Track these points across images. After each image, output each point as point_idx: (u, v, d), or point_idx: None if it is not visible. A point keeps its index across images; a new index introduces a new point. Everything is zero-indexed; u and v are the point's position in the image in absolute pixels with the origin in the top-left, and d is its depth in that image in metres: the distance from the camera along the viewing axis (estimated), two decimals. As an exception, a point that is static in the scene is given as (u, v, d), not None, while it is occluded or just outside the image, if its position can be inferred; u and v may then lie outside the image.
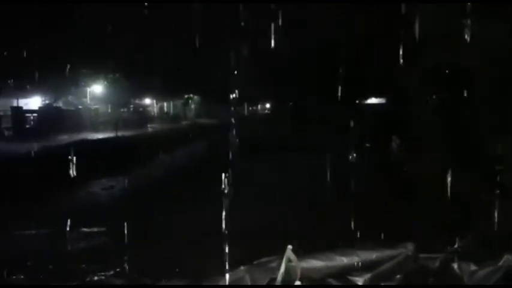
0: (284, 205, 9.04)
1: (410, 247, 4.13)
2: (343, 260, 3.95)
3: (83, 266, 5.66)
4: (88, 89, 32.08)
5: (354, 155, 16.48)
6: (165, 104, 52.61)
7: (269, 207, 9.35)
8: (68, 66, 25.68)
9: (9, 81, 24.08)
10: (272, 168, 13.81)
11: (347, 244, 4.19)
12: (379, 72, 24.71)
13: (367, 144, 21.30)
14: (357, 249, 4.03)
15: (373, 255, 4.00)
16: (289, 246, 3.48)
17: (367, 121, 26.93)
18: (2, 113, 25.29)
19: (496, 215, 6.77)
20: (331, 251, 3.97)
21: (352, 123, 23.65)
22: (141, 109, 43.15)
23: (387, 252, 4.03)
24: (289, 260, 3.48)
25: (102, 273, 5.53)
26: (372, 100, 38.51)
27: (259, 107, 77.91)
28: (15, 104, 26.46)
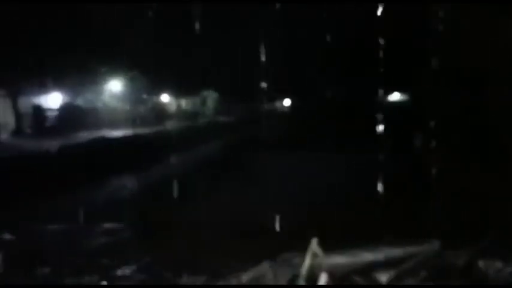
0: (305, 206, 9.01)
1: (435, 244, 4.09)
2: (367, 257, 3.93)
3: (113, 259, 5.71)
4: (107, 87, 32.40)
5: (378, 153, 16.35)
6: (183, 101, 52.85)
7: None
8: (87, 64, 26.01)
9: (30, 80, 24.47)
10: (292, 167, 13.77)
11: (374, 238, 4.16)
12: (404, 69, 24.43)
13: (389, 142, 21.06)
14: (382, 246, 4.01)
15: (398, 252, 3.97)
16: (314, 240, 3.47)
17: (390, 118, 26.65)
18: (23, 112, 25.69)
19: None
20: (356, 247, 3.96)
21: (375, 121, 23.45)
22: (159, 106, 43.43)
23: (412, 249, 4.00)
24: (314, 254, 3.47)
25: (126, 268, 5.59)
26: (396, 97, 38.08)
27: (278, 103, 77.83)
28: (36, 103, 26.86)
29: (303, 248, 3.89)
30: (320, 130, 22.55)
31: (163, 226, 7.21)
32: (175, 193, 9.45)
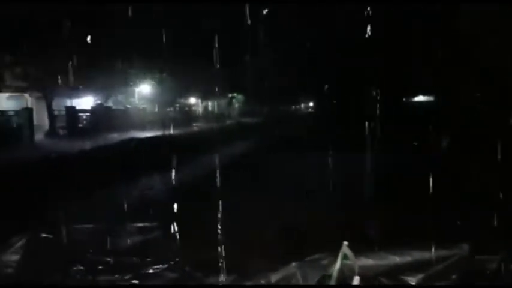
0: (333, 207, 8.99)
1: (465, 248, 4.05)
2: (395, 259, 3.93)
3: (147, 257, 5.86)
4: (136, 89, 33.03)
5: (402, 154, 16.16)
6: (210, 103, 53.44)
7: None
8: (118, 66, 26.61)
9: (63, 82, 25.19)
10: (315, 167, 13.74)
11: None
12: (428, 70, 24.09)
13: (415, 143, 20.78)
14: (410, 249, 4.00)
15: (426, 255, 3.96)
16: (345, 243, 3.50)
17: (414, 119, 26.26)
18: (56, 113, 26.45)
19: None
20: (384, 250, 3.97)
21: (398, 122, 23.17)
22: (186, 108, 44.01)
23: (442, 253, 3.98)
24: (345, 257, 3.50)
25: (157, 266, 5.73)
26: (420, 98, 37.58)
27: (302, 105, 77.64)
28: (69, 104, 27.61)
29: (332, 249, 3.92)
30: (344, 131, 22.42)
31: (194, 225, 7.33)
32: (205, 193, 9.57)
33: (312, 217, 8.10)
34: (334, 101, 43.54)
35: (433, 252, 4.05)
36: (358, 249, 3.60)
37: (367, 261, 3.80)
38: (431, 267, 4.03)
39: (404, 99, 37.48)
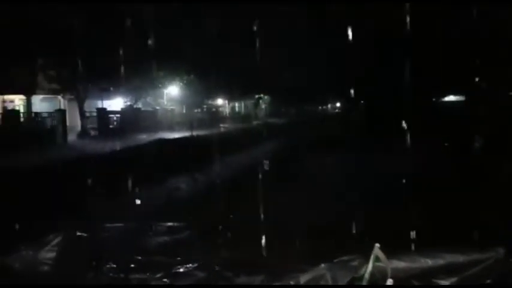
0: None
1: (500, 251, 3.95)
2: (427, 262, 3.86)
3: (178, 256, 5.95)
4: (165, 91, 33.50)
5: (433, 156, 15.85)
6: (237, 104, 53.72)
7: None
8: (147, 69, 27.06)
9: (94, 85, 25.81)
10: (345, 168, 13.64)
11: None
12: (458, 70, 23.60)
13: (446, 144, 20.37)
14: (443, 252, 3.92)
15: (460, 258, 3.87)
16: (377, 245, 3.47)
17: (445, 120, 25.74)
18: (88, 114, 27.10)
19: None
20: (415, 252, 3.91)
21: (428, 122, 22.74)
22: (213, 109, 44.34)
23: (475, 256, 3.89)
24: (376, 259, 3.47)
25: (188, 265, 5.79)
26: (450, 98, 36.81)
27: (329, 105, 77.11)
28: (100, 106, 28.22)
29: (362, 251, 3.89)
30: (375, 130, 22.16)
31: (223, 225, 7.39)
32: (234, 193, 9.65)
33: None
34: (363, 102, 43.10)
35: (466, 255, 3.96)
36: (389, 251, 3.56)
37: (400, 264, 3.74)
38: (465, 271, 3.94)
39: (434, 99, 36.77)
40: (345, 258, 4.09)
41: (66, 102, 28.24)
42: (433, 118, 26.02)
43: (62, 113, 23.57)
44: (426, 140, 17.47)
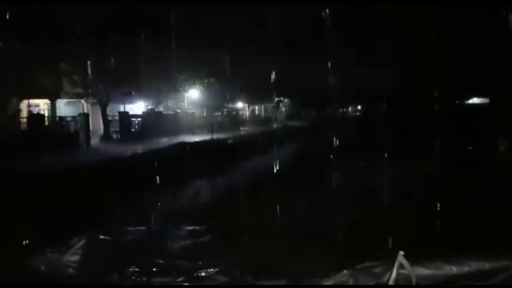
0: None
1: (527, 259, 3.86)
2: (452, 269, 3.80)
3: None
4: (186, 94, 33.74)
5: (456, 159, 15.56)
6: (256, 107, 53.73)
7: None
8: (168, 73, 27.34)
9: (117, 89, 26.18)
10: (367, 172, 13.53)
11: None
12: (483, 72, 23.16)
13: (470, 147, 19.98)
14: (468, 259, 3.85)
15: (486, 265, 3.80)
16: (401, 252, 3.43)
17: (469, 122, 25.27)
18: (110, 118, 27.47)
19: None
20: (440, 259, 3.85)
21: (452, 125, 22.35)
22: (234, 112, 44.44)
23: (502, 263, 3.81)
24: (401, 266, 3.43)
25: (208, 270, 5.83)
26: (474, 100, 36.14)
27: (350, 108, 76.43)
28: (122, 109, 28.58)
29: (385, 257, 3.86)
30: (400, 133, 21.90)
31: (245, 229, 7.41)
32: (254, 197, 9.66)
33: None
34: (385, 105, 42.59)
35: (492, 262, 3.88)
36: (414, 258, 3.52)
37: (424, 271, 3.69)
38: (490, 278, 3.86)
39: (457, 101, 36.15)
40: (366, 264, 4.05)
41: (89, 106, 28.71)
42: (457, 120, 25.58)
43: (85, 117, 23.94)
44: (450, 142, 17.19)
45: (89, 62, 23.45)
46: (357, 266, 4.14)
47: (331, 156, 16.74)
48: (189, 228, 7.11)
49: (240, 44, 32.18)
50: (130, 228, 7.16)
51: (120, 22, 22.61)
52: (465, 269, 3.85)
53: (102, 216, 9.00)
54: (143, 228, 7.29)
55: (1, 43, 18.78)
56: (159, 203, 10.32)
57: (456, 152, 17.60)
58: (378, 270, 3.89)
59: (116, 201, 10.21)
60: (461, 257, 3.95)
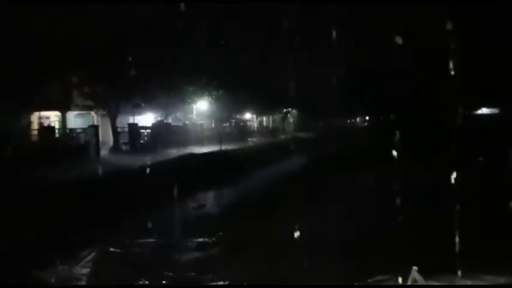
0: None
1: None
2: (466, 282, 3.74)
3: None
4: (194, 106, 33.91)
5: (466, 171, 15.37)
6: (264, 118, 53.81)
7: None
8: (177, 85, 27.52)
9: (126, 101, 26.37)
10: (380, 182, 13.40)
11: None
12: (494, 82, 23.02)
13: (480, 159, 19.79)
14: (483, 273, 3.80)
15: (501, 279, 3.73)
16: (415, 268, 3.40)
17: (478, 133, 25.05)
18: (120, 130, 27.63)
19: None
20: (454, 274, 3.79)
21: (460, 136, 22.12)
22: (241, 123, 44.53)
23: (517, 278, 3.74)
24: (414, 281, 3.39)
25: (218, 283, 5.80)
26: (483, 110, 35.89)
27: (358, 119, 76.29)
28: (131, 121, 28.76)
29: (398, 271, 3.81)
30: (410, 145, 21.73)
31: (254, 242, 7.37)
32: (265, 209, 9.62)
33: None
34: (391, 115, 42.48)
35: (508, 277, 3.81)
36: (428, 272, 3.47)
37: (437, 285, 3.65)
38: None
39: (467, 111, 35.89)
40: (378, 278, 4.01)
41: (99, 118, 28.95)
42: (467, 131, 25.36)
43: (95, 128, 24.13)
44: (460, 153, 16.98)
45: (99, 75, 23.69)
46: (369, 280, 4.10)
47: (338, 168, 16.71)
48: (198, 240, 7.09)
49: (248, 56, 32.38)
50: (139, 241, 7.16)
51: (130, 35, 22.85)
52: (479, 283, 3.79)
53: (113, 228, 9.00)
54: (152, 240, 7.28)
55: (13, 56, 19.04)
56: (169, 214, 10.32)
57: (466, 163, 17.40)
58: (389, 282, 3.85)
59: (125, 212, 10.23)
60: (475, 271, 3.90)
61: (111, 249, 6.37)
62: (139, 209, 10.56)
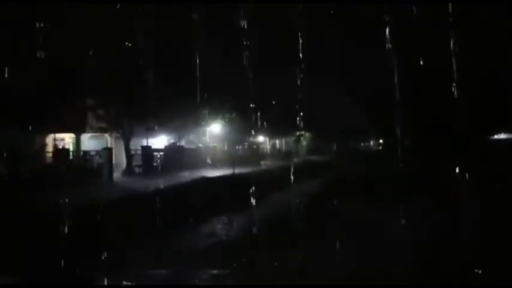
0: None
1: None
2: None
3: None
4: (207, 128, 33.99)
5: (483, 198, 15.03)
6: (277, 141, 53.72)
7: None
8: (190, 108, 27.63)
9: (140, 124, 26.53)
10: (388, 213, 13.10)
11: None
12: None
13: (499, 186, 19.35)
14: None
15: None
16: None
17: (497, 159, 24.60)
18: (133, 152, 27.74)
19: None
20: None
21: (478, 161, 21.74)
22: (254, 146, 44.48)
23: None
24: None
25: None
26: (501, 136, 35.36)
27: (371, 142, 75.83)
28: (144, 143, 28.88)
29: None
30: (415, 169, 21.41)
31: (269, 273, 7.14)
32: (277, 238, 9.39)
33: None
34: (406, 138, 42.07)
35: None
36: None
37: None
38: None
39: (483, 137, 35.44)
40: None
41: (112, 140, 29.12)
42: (484, 157, 24.93)
43: (108, 151, 24.25)
44: (478, 180, 16.61)
45: (113, 98, 23.91)
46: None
47: (350, 195, 16.41)
48: (213, 272, 6.87)
49: (262, 78, 32.46)
50: (151, 272, 6.97)
51: (144, 58, 23.08)
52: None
53: (124, 256, 8.83)
54: (164, 271, 7.08)
55: (29, 79, 19.29)
56: (182, 242, 10.13)
57: (483, 190, 17.03)
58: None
59: (137, 240, 10.06)
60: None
61: (124, 282, 6.18)
62: (152, 235, 10.39)
